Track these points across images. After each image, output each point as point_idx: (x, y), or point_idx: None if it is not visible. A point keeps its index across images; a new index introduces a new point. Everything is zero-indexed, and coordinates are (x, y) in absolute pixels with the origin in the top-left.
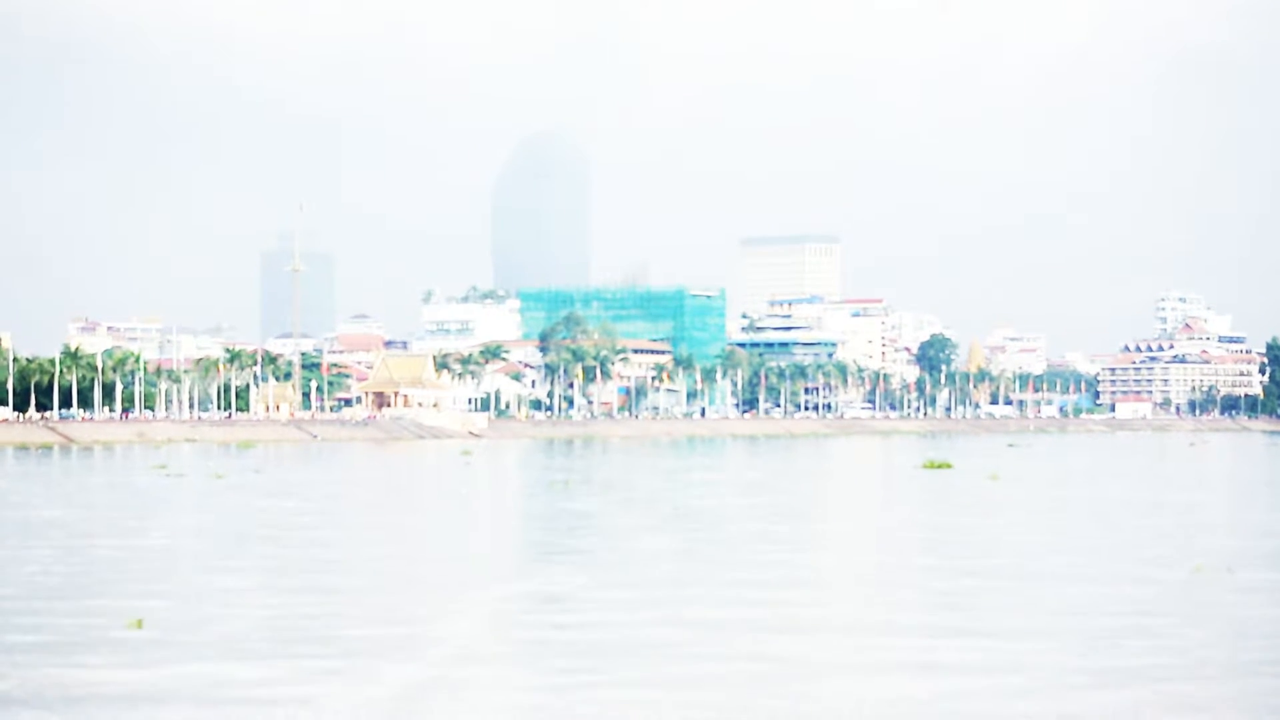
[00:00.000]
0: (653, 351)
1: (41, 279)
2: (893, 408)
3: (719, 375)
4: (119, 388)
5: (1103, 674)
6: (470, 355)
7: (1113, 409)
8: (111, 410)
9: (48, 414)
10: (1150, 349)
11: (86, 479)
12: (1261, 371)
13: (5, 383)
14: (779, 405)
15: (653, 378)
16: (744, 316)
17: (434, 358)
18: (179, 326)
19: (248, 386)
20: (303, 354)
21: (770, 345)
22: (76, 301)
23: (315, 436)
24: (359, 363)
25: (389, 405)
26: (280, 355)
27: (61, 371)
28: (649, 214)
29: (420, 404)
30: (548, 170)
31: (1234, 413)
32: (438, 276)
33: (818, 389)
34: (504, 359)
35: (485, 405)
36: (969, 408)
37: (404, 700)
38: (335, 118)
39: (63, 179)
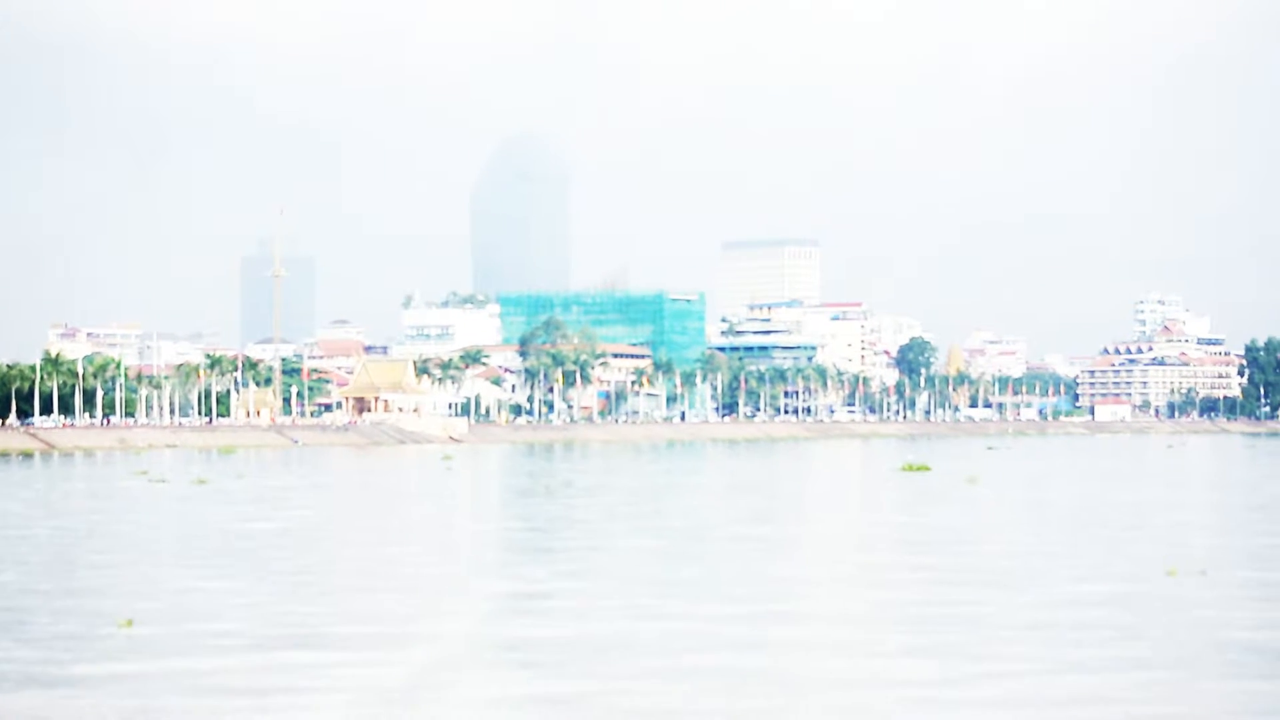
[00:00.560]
0: (632, 356)
1: (20, 284)
2: (872, 411)
3: (699, 379)
4: (100, 394)
5: (1067, 672)
6: (450, 360)
7: (1092, 411)
8: (92, 416)
9: (28, 421)
10: (1129, 351)
11: (69, 485)
12: (1240, 374)
13: None
14: (759, 409)
15: (633, 382)
16: (724, 320)
17: (414, 363)
18: (159, 332)
19: (228, 392)
20: (283, 359)
21: (750, 349)
22: (56, 307)
23: (296, 442)
24: (339, 368)
25: (369, 410)
26: (261, 361)
27: (42, 378)
28: (629, 218)
29: (401, 409)
30: (527, 174)
31: (1213, 415)
32: (417, 281)
33: (797, 392)
34: (484, 364)
35: (465, 410)
36: (949, 410)
37: (389, 696)
38: (315, 123)
39: (41, 184)
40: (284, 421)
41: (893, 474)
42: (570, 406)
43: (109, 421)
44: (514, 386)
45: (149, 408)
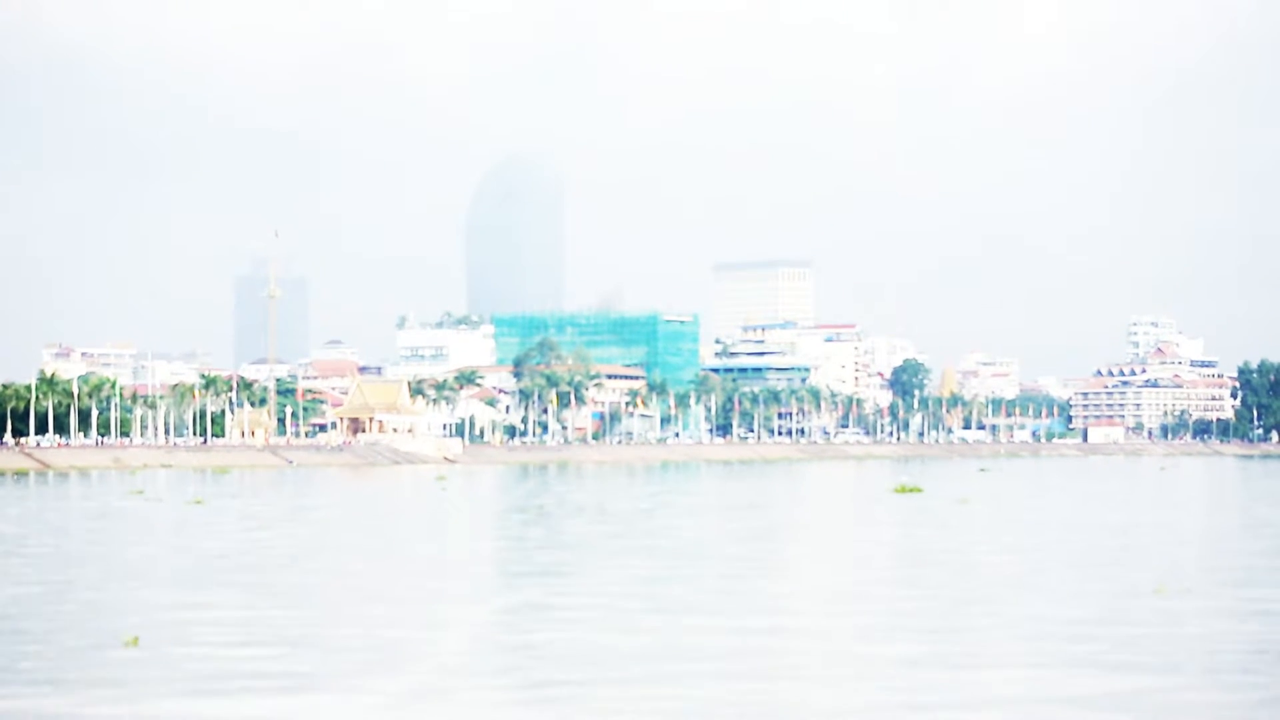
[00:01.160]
0: (626, 377)
1: (14, 304)
2: (866, 432)
3: (692, 400)
4: (95, 414)
5: (1052, 685)
6: (445, 381)
7: (1085, 433)
8: (87, 436)
9: (23, 440)
10: (1123, 373)
11: (67, 505)
12: (1233, 396)
13: None
14: (752, 430)
15: (627, 403)
16: (718, 341)
17: (409, 383)
18: (153, 352)
19: (223, 412)
20: (278, 380)
21: (744, 370)
22: (49, 326)
23: (291, 462)
24: (334, 388)
25: (364, 431)
26: (255, 381)
27: (38, 397)
28: (623, 239)
29: (395, 430)
30: (522, 195)
31: (1206, 437)
32: (412, 302)
33: (791, 414)
34: (478, 385)
35: (460, 431)
36: (942, 432)
37: (392, 711)
38: (309, 142)
39: (35, 204)
40: (279, 442)
41: (885, 495)
42: (564, 427)
43: (104, 441)
44: (508, 407)
45: (144, 427)
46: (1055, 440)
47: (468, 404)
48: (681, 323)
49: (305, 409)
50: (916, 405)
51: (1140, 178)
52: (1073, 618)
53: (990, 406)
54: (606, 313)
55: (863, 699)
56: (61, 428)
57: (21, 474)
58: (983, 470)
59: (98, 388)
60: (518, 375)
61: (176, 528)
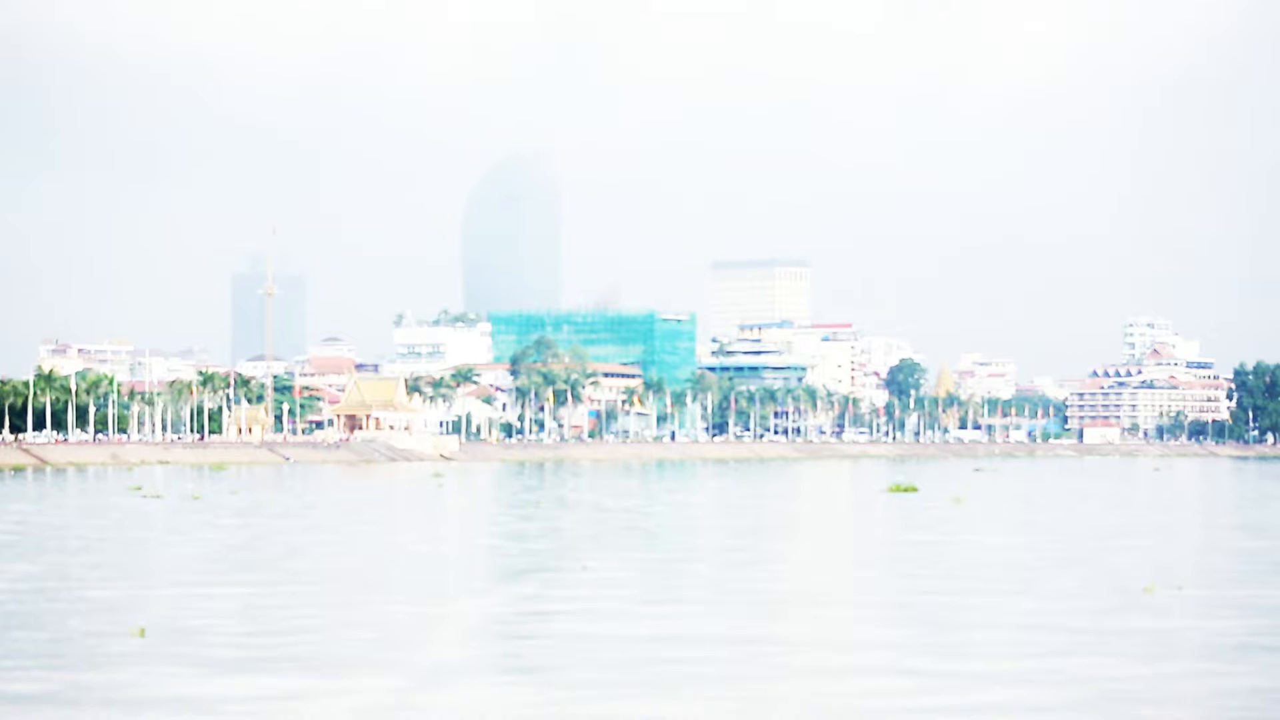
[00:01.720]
0: (623, 375)
1: (10, 301)
2: (862, 432)
3: (689, 399)
4: (92, 410)
5: (1040, 680)
6: (441, 379)
7: (1081, 434)
8: (84, 432)
9: (21, 436)
10: (1119, 374)
11: (66, 500)
12: (1229, 397)
13: None
14: (748, 429)
15: (623, 401)
16: (714, 340)
17: (405, 381)
18: (150, 349)
19: (220, 409)
20: (275, 377)
21: (740, 369)
22: (46, 322)
23: (288, 459)
24: (330, 385)
25: (361, 428)
26: (252, 378)
27: (35, 394)
28: (620, 238)
29: (392, 427)
30: (519, 193)
31: (1201, 438)
32: (409, 299)
33: (787, 413)
34: (475, 382)
35: (456, 428)
36: (938, 432)
37: (392, 704)
38: (306, 141)
39: (32, 200)
40: (275, 439)
41: (880, 494)
42: (561, 425)
43: (101, 438)
44: (505, 405)
45: (141, 424)
46: (1051, 441)
47: (464, 401)
48: (678, 321)
49: (302, 406)
50: (912, 405)
51: (1138, 179)
52: (1061, 615)
53: (986, 406)
54: (603, 311)
55: (853, 695)
56: (59, 424)
57: (19, 470)
58: (978, 470)
59: (95, 384)
60: (514, 373)
61: (176, 523)
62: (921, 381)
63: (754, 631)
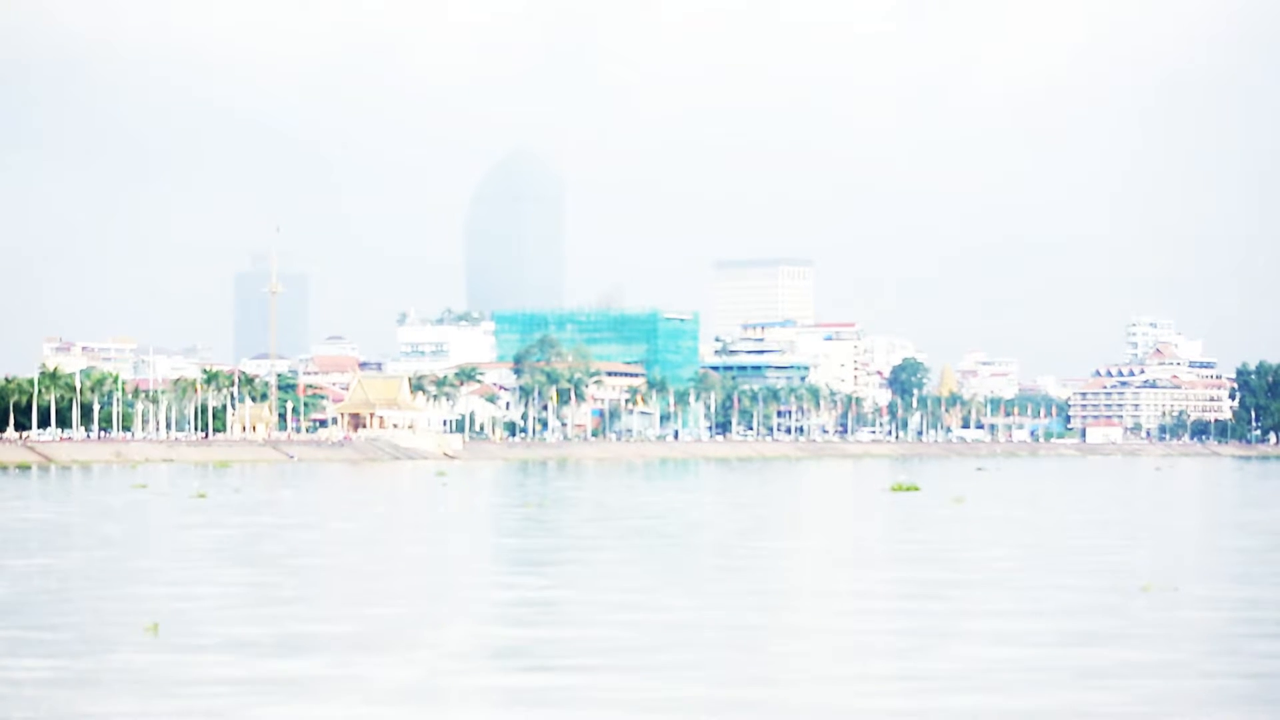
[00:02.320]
0: (626, 374)
1: (15, 298)
2: (870, 431)
3: (692, 398)
4: (96, 408)
5: (1034, 674)
6: (445, 377)
7: (1083, 433)
8: (88, 430)
9: (25, 433)
10: (1121, 374)
11: (72, 498)
12: (1231, 397)
13: None
14: (751, 428)
15: (626, 400)
16: (717, 339)
17: (409, 379)
18: (154, 347)
19: (224, 407)
20: (279, 375)
21: (743, 368)
22: (49, 320)
23: (292, 457)
24: (334, 384)
25: (364, 426)
26: (256, 376)
27: (40, 391)
28: (623, 236)
29: (395, 425)
30: (522, 192)
31: (1204, 438)
32: (412, 298)
33: (790, 412)
34: (478, 381)
35: (460, 427)
36: (940, 431)
37: (401, 693)
38: (309, 139)
39: (36, 198)
40: (279, 437)
41: (882, 493)
42: (564, 424)
43: (105, 435)
44: (508, 404)
45: (145, 422)
46: (1054, 440)
47: (468, 400)
48: (681, 320)
49: (306, 404)
50: (915, 404)
51: (1140, 178)
52: (1060, 612)
53: (989, 406)
54: (607, 310)
55: (853, 691)
56: (63, 422)
57: (24, 467)
58: (980, 469)
59: (99, 382)
60: (518, 372)
61: (183, 521)
62: (924, 381)
63: (753, 631)
